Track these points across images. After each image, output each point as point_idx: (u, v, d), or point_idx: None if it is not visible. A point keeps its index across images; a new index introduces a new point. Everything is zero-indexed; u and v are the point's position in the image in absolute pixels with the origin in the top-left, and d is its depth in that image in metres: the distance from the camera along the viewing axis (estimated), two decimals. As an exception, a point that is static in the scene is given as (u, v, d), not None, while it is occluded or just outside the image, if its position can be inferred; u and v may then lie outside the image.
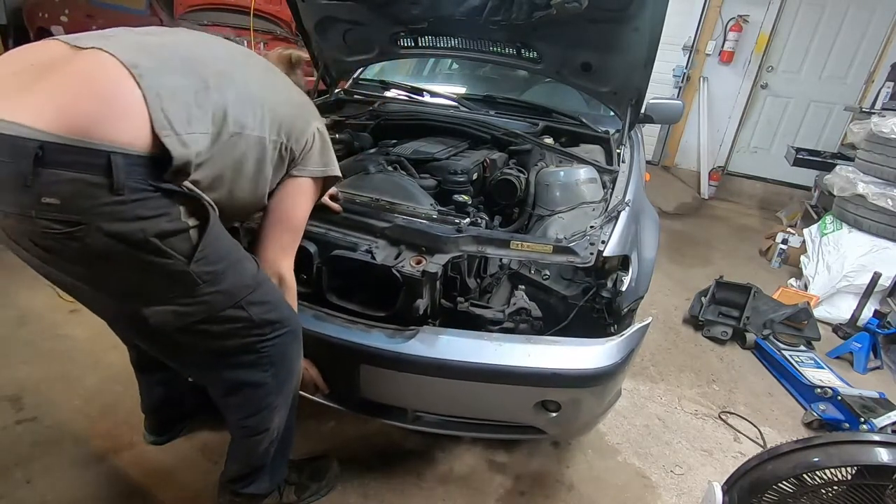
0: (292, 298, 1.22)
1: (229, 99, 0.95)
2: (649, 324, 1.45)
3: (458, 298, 1.46)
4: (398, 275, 1.33)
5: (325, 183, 1.23)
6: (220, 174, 0.97)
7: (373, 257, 1.37)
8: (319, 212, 1.48)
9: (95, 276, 0.90)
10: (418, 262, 1.35)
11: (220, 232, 0.98)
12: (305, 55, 1.34)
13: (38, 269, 0.94)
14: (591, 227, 1.50)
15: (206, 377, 1.16)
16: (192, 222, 0.91)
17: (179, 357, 1.10)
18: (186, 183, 0.89)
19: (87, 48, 0.87)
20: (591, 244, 1.43)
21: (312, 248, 1.43)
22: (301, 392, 1.48)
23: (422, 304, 1.35)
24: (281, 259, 1.17)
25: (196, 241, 0.92)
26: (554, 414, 1.38)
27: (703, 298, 2.86)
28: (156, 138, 0.84)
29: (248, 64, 1.09)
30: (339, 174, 1.23)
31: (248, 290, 1.03)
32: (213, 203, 0.95)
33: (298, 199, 1.16)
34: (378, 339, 1.34)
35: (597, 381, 1.33)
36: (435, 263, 1.35)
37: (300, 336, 1.21)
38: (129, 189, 0.81)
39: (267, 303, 1.08)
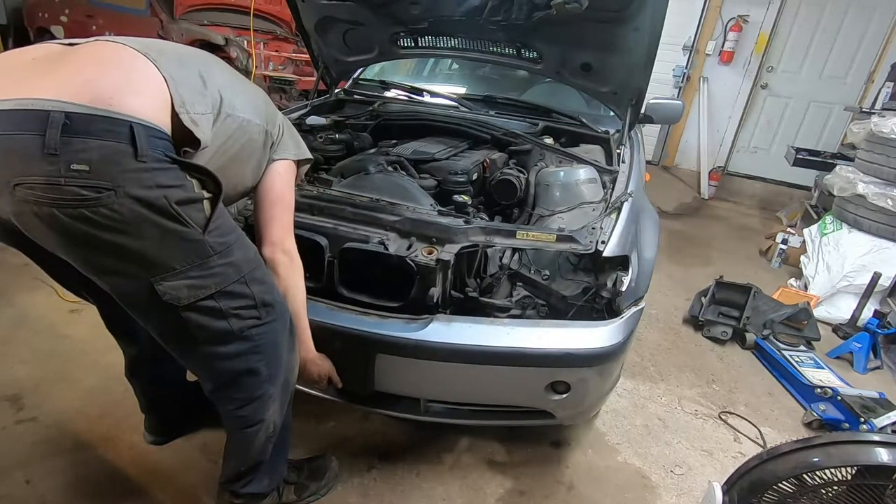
0: (300, 276, 1.27)
1: (220, 86, 1.05)
2: (643, 308, 1.51)
3: (467, 288, 1.50)
4: (412, 264, 1.37)
5: (298, 166, 1.31)
6: (217, 153, 1.05)
7: (385, 248, 1.41)
8: (328, 208, 1.52)
9: (116, 246, 0.91)
10: (430, 252, 1.39)
11: (224, 207, 1.04)
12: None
13: (59, 250, 0.95)
14: (593, 228, 1.52)
15: (202, 365, 1.17)
16: (205, 194, 0.98)
17: (183, 344, 1.11)
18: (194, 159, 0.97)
19: (91, 41, 0.94)
20: (593, 230, 1.49)
21: (324, 241, 1.45)
22: (312, 390, 1.51)
23: (436, 292, 1.39)
24: (286, 237, 1.24)
25: (209, 213, 0.98)
26: (563, 395, 1.42)
27: (703, 298, 2.86)
28: (175, 116, 0.92)
29: (217, 61, 1.16)
30: (312, 157, 1.34)
31: (252, 264, 1.09)
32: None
33: (287, 180, 1.25)
34: (394, 327, 1.37)
35: (603, 359, 1.39)
36: (448, 252, 1.39)
37: (290, 327, 1.23)
38: (150, 157, 0.88)
39: (265, 283, 1.13)
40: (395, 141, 2.09)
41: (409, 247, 1.43)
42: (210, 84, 1.02)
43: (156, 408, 1.62)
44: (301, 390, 1.50)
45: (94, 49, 0.93)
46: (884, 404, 2.10)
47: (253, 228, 1.27)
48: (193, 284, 0.98)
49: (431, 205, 1.60)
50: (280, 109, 1.36)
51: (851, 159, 3.56)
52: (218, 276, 1.01)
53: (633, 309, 1.47)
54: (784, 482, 1.07)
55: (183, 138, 0.95)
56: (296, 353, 1.28)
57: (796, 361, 2.43)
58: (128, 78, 0.90)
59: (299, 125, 2.09)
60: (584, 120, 2.31)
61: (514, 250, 1.62)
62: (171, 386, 1.61)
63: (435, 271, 1.37)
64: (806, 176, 4.80)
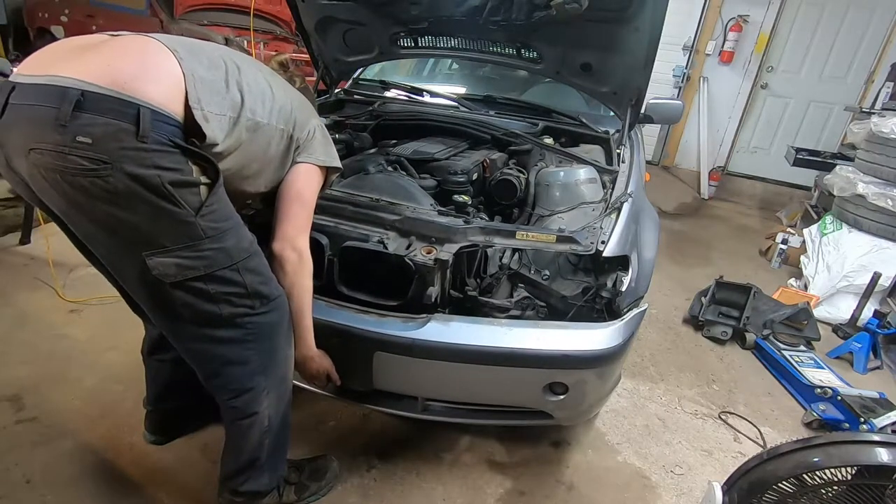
0: (307, 276, 1.29)
1: (245, 91, 1.11)
2: (646, 309, 1.50)
3: (466, 287, 1.49)
4: (411, 263, 1.37)
5: (327, 174, 1.33)
6: (232, 152, 1.10)
7: (385, 247, 1.41)
8: (329, 206, 1.52)
9: (112, 217, 0.98)
10: (429, 252, 1.40)
11: (224, 195, 1.09)
12: (288, 54, 1.48)
13: (62, 213, 1.04)
14: (593, 228, 1.52)
15: (193, 350, 1.19)
16: (203, 179, 1.04)
17: (172, 321, 1.13)
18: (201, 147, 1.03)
19: (129, 35, 1.04)
20: (593, 230, 1.49)
21: (324, 240, 1.46)
22: (312, 387, 1.50)
23: (434, 291, 1.39)
24: (299, 235, 1.26)
25: (205, 198, 1.03)
26: (561, 396, 1.42)
27: (703, 298, 2.86)
28: (187, 109, 0.99)
29: (254, 66, 1.22)
30: (340, 167, 1.36)
31: (246, 253, 1.12)
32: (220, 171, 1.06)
33: (308, 181, 1.28)
34: (392, 326, 1.38)
35: (602, 361, 1.39)
36: (446, 252, 1.40)
37: (287, 322, 1.24)
38: (152, 139, 0.94)
39: (261, 273, 1.16)
40: (395, 141, 2.09)
41: (409, 246, 1.44)
42: (232, 88, 1.09)
43: (162, 399, 1.62)
44: (301, 388, 1.50)
45: (125, 41, 1.03)
46: (884, 404, 2.10)
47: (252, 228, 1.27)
48: (182, 264, 1.03)
49: (431, 205, 1.60)
50: None
51: (851, 159, 3.57)
52: (207, 259, 1.05)
53: (634, 311, 1.46)
54: (784, 482, 1.07)
55: (196, 130, 1.00)
56: (290, 350, 1.29)
57: (796, 361, 2.43)
58: (146, 67, 0.98)
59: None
60: (584, 120, 2.31)
61: (514, 250, 1.62)
62: (182, 375, 1.60)
63: (433, 271, 1.38)
64: (806, 176, 4.80)
